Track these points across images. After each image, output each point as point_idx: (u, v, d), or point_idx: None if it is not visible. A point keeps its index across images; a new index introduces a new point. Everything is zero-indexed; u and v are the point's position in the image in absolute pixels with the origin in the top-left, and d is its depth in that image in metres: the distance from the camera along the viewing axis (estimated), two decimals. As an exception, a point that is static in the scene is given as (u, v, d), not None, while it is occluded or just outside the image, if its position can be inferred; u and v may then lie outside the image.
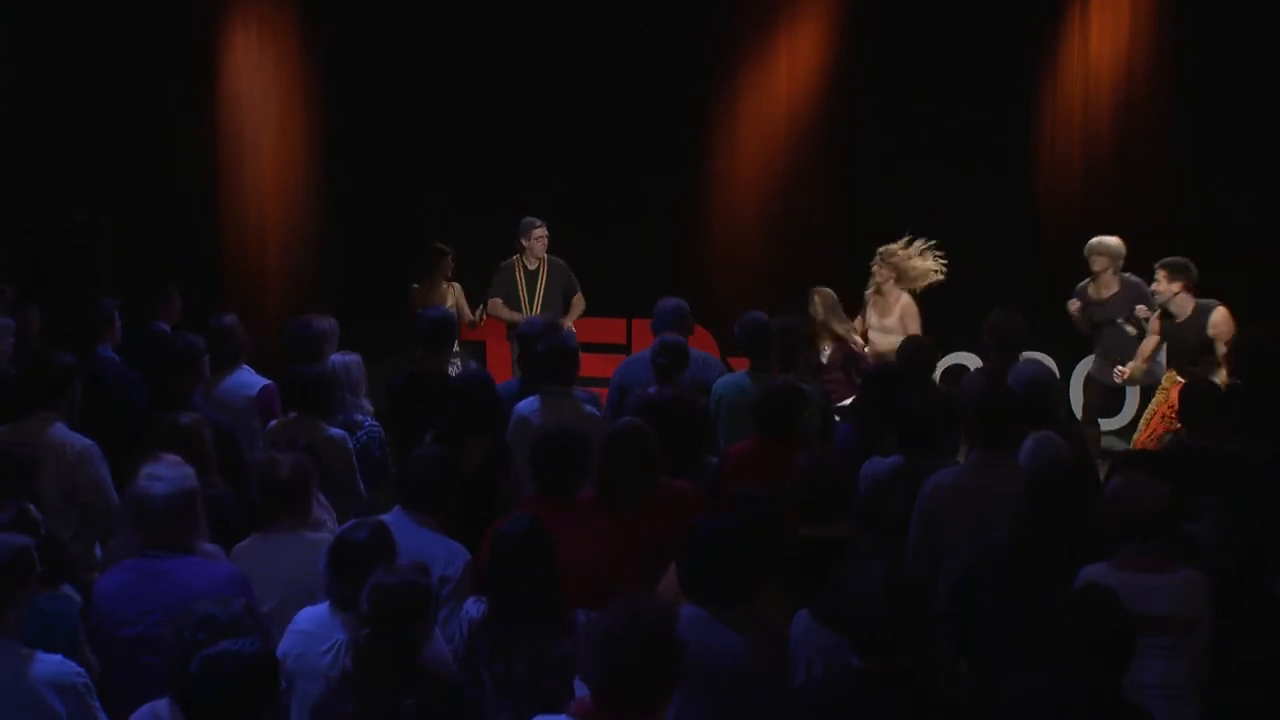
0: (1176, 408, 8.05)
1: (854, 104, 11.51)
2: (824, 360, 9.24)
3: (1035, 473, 4.98)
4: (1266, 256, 10.38)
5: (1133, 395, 10.27)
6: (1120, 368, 8.87)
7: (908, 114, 11.19)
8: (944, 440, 6.07)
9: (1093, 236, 9.26)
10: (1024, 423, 5.79)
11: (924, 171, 11.03)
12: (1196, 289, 8.42)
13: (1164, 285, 8.43)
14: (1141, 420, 8.72)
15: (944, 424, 6.03)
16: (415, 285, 10.24)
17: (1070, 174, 11.26)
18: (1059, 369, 10.13)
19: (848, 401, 8.69)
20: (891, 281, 9.62)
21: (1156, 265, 8.59)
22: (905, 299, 9.61)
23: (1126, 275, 9.08)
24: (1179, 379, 8.19)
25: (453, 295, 10.23)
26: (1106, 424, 10.09)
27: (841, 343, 9.27)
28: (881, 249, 9.71)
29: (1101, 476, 6.31)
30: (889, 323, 9.54)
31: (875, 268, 9.65)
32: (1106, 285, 9.06)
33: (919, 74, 11.13)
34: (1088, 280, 9.18)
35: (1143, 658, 4.38)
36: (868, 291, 9.72)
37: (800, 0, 11.72)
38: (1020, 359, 7.65)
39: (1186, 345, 8.38)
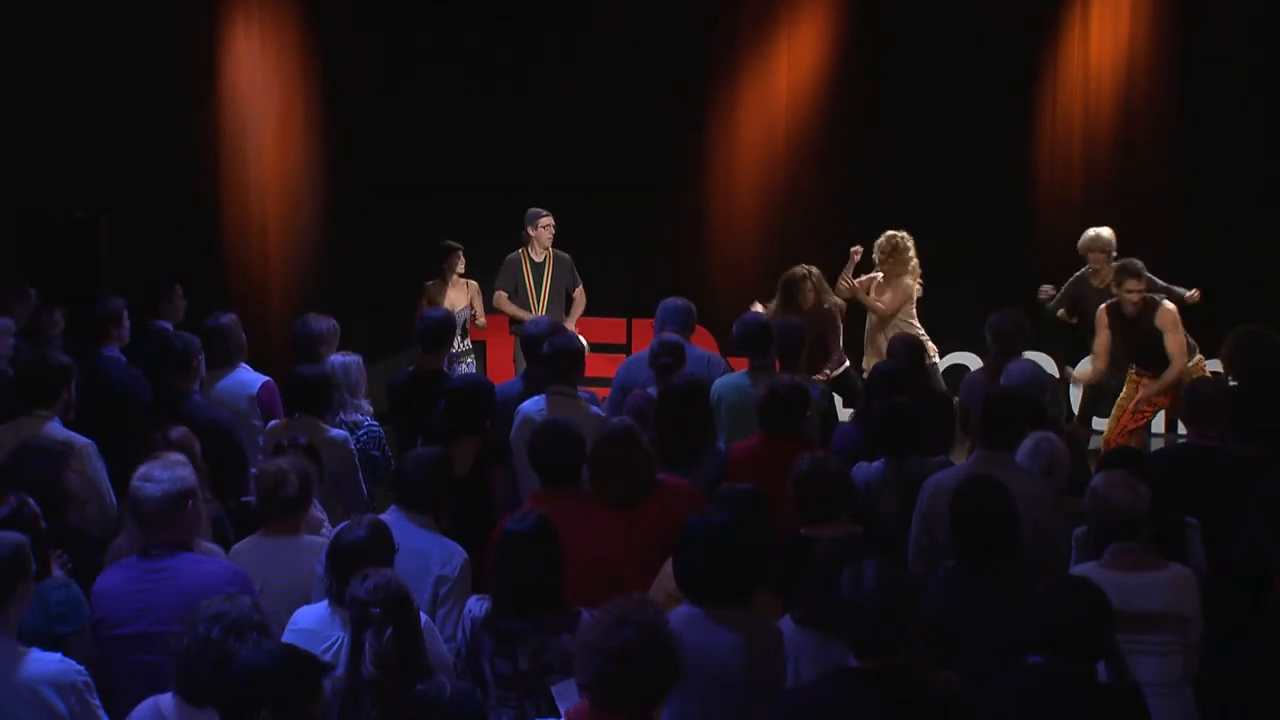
0: (1145, 400, 8.25)
1: (854, 104, 11.51)
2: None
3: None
4: (1266, 257, 10.39)
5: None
6: (1071, 369, 8.99)
7: (908, 114, 11.20)
8: (924, 439, 6.06)
9: None
10: (1024, 422, 5.79)
11: (924, 171, 11.03)
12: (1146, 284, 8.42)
13: (1115, 285, 8.45)
14: (1110, 418, 8.69)
15: (919, 423, 6.02)
16: (429, 283, 10.18)
17: (1070, 174, 11.26)
18: (1059, 369, 10.12)
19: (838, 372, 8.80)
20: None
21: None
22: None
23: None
24: (1143, 374, 8.30)
25: (468, 293, 10.18)
26: (1104, 424, 10.05)
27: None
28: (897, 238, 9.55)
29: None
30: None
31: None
32: (1103, 277, 9.01)
33: (919, 74, 11.14)
34: (1086, 269, 9.13)
35: (1136, 655, 4.42)
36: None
37: (800, 0, 11.73)
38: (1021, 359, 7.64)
39: (1138, 341, 8.37)
